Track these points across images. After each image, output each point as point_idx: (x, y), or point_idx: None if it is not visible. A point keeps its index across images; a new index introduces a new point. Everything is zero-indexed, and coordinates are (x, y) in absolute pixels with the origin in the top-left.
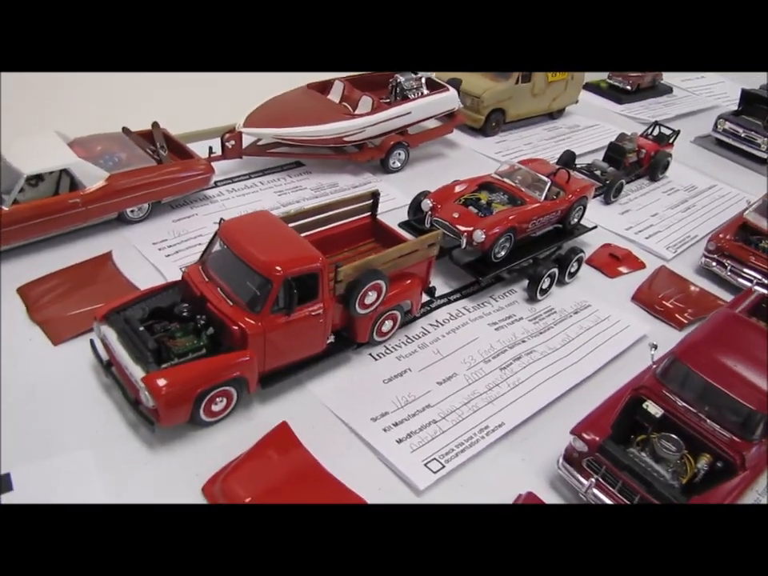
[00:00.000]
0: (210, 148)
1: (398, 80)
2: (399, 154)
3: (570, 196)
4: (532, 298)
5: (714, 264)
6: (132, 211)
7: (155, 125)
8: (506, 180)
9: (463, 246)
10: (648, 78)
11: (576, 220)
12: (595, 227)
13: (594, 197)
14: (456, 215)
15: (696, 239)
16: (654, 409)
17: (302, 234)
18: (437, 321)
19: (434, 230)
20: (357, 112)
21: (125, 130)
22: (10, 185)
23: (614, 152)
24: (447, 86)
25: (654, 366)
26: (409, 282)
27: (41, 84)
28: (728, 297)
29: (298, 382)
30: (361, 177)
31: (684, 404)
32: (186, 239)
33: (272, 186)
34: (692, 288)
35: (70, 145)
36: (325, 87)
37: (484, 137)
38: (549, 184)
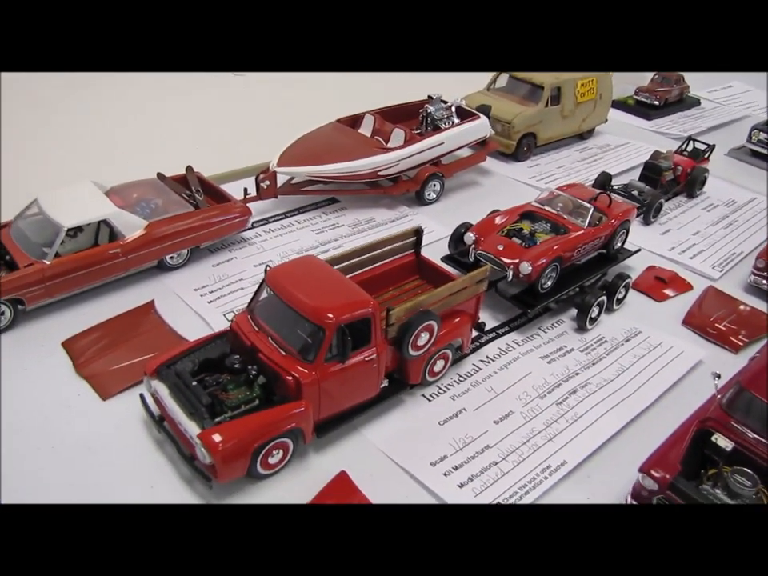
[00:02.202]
0: (245, 189)
1: (429, 110)
2: (434, 185)
3: (613, 221)
4: (581, 328)
5: (764, 282)
6: (171, 258)
7: (189, 169)
8: (546, 208)
9: (510, 278)
10: (675, 92)
11: (620, 244)
12: (639, 250)
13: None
14: (500, 247)
15: (742, 256)
16: (723, 442)
17: (348, 276)
18: (487, 356)
19: (480, 264)
20: (389, 145)
21: (159, 175)
22: (50, 238)
23: (650, 171)
24: (477, 113)
25: (719, 396)
26: (459, 319)
27: (74, 132)
28: None
29: (353, 429)
30: (397, 210)
31: (755, 435)
32: (227, 284)
33: (309, 224)
34: (743, 307)
35: (107, 194)
36: (355, 121)
37: (516, 162)
38: (591, 210)
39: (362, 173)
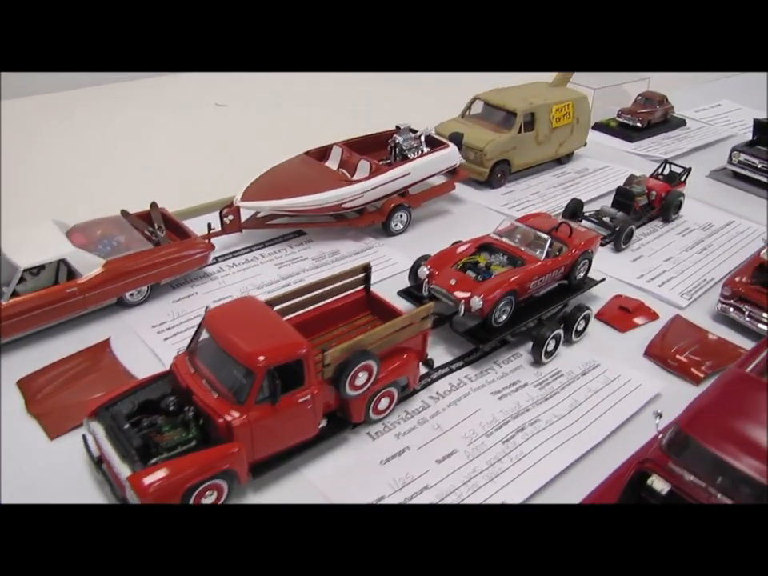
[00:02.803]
0: (209, 224)
1: (397, 140)
2: (401, 216)
3: (574, 250)
4: (537, 362)
5: (732, 310)
6: (131, 295)
7: (153, 205)
8: (504, 239)
9: (462, 313)
10: (658, 113)
11: (582, 274)
12: (603, 280)
13: (604, 245)
14: (453, 282)
15: (713, 282)
16: (659, 485)
17: (296, 313)
18: (437, 393)
19: (433, 298)
20: (355, 177)
21: (123, 212)
22: (7, 278)
23: (623, 196)
24: (447, 142)
25: (660, 436)
26: (404, 356)
27: (41, 172)
28: (749, 344)
29: (292, 468)
30: (363, 242)
31: (693, 478)
32: (184, 320)
33: (273, 258)
34: (710, 337)
35: (70, 231)
36: (324, 153)
37: (490, 189)
38: (549, 241)
39: (325, 206)
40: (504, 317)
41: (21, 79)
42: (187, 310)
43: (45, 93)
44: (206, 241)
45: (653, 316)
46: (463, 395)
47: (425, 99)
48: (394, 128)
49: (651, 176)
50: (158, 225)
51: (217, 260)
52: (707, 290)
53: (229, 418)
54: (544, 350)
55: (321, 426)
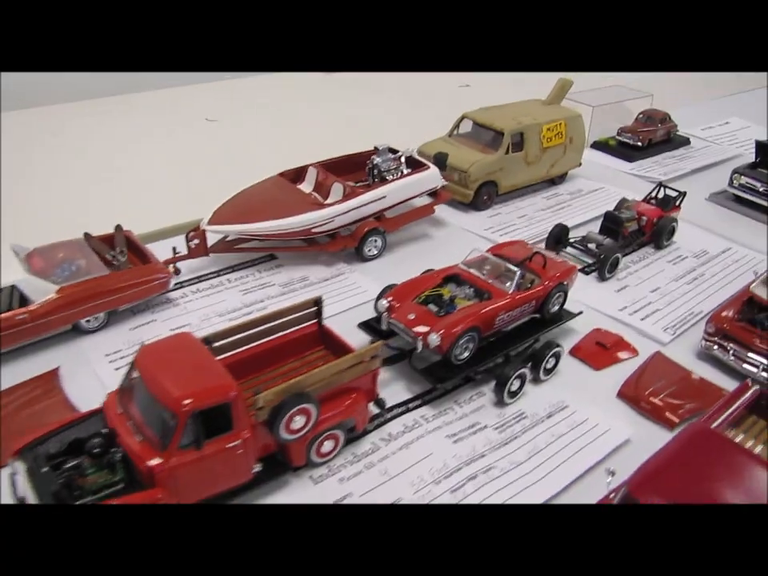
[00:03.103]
0: (174, 248)
1: (375, 161)
2: (375, 240)
3: (547, 283)
4: (500, 402)
5: (716, 347)
6: (87, 321)
7: (118, 228)
8: (472, 271)
9: (419, 349)
10: (660, 132)
11: (556, 308)
12: (580, 313)
13: (589, 273)
14: (412, 316)
15: (701, 316)
16: None
17: (243, 348)
18: (389, 434)
19: (392, 332)
20: (330, 200)
21: (86, 235)
22: None
23: (611, 222)
24: (428, 163)
25: (612, 496)
26: (351, 397)
27: (6, 191)
28: (735, 385)
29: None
30: (334, 268)
31: None
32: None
33: (239, 283)
34: (692, 377)
35: (30, 254)
36: (299, 174)
37: (476, 211)
38: (518, 274)
39: (295, 230)
40: (466, 354)
41: None
42: (143, 338)
43: (7, 111)
44: (167, 266)
45: (632, 352)
46: (416, 437)
47: (417, 115)
48: (373, 149)
49: (644, 199)
50: (120, 249)
51: (182, 284)
52: (694, 324)
53: (151, 464)
54: (507, 390)
55: (255, 470)
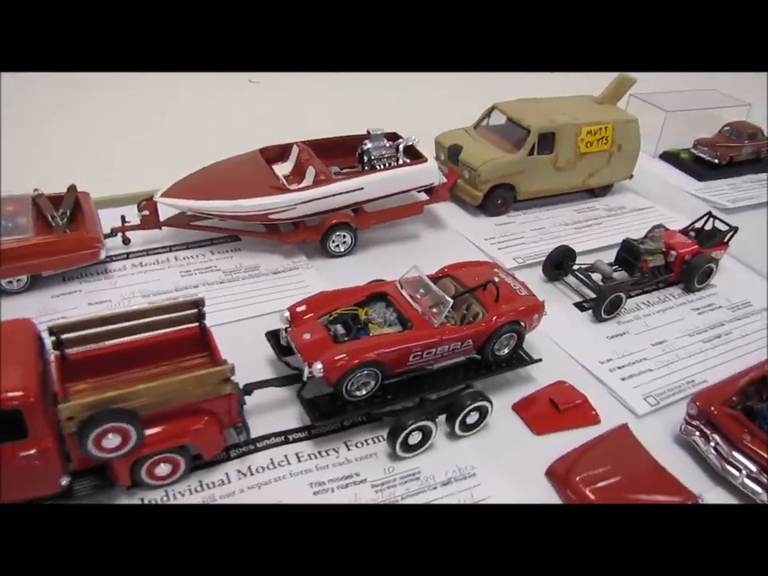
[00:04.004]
0: (123, 217)
1: (366, 146)
2: (343, 236)
3: (495, 319)
4: (395, 455)
5: (697, 434)
6: (9, 282)
7: (71, 188)
8: (404, 292)
9: (304, 377)
10: (747, 149)
11: (505, 351)
12: (539, 360)
13: (585, 310)
14: (307, 337)
15: (701, 386)
16: None
17: (120, 340)
18: (249, 468)
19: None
20: (302, 185)
21: (36, 191)
22: None
23: (627, 252)
24: (426, 156)
25: None
26: (202, 419)
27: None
28: (704, 484)
29: None
30: (291, 260)
31: None
32: (49, 320)
33: (184, 263)
34: (652, 464)
35: None
36: (283, 152)
37: (486, 216)
38: (449, 305)
39: (249, 214)
40: (364, 391)
41: None
42: (57, 309)
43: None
44: (115, 235)
45: (592, 420)
46: (275, 478)
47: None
48: (366, 132)
49: (683, 230)
50: (63, 211)
51: (128, 256)
52: (687, 396)
53: None
54: (400, 442)
55: (63, 483)
